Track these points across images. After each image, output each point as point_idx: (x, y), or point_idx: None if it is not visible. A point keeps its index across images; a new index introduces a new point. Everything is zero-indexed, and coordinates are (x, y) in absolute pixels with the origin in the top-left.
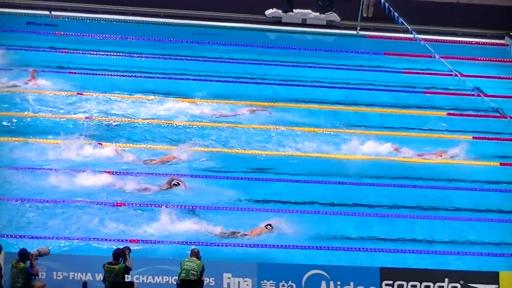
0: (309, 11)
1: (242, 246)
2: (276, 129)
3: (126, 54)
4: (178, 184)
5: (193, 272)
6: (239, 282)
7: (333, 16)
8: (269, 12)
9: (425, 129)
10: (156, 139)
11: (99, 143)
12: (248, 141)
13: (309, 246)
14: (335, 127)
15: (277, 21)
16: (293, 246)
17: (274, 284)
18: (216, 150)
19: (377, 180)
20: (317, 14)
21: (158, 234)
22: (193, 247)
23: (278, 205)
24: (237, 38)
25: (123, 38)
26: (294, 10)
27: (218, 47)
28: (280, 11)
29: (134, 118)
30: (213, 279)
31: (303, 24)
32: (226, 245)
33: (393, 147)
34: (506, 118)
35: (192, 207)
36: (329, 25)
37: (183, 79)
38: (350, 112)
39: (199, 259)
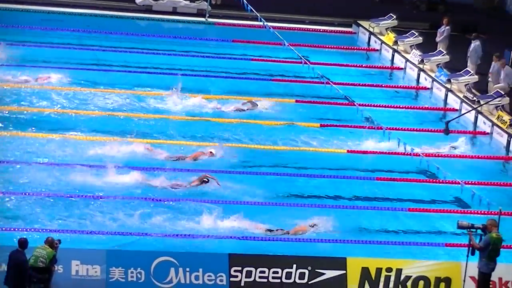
0: None
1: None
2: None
3: None
4: (208, 181)
5: (41, 259)
6: (87, 269)
7: (203, 5)
8: (139, 0)
9: (274, 118)
10: None
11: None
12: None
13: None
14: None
15: (147, 9)
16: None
17: (122, 271)
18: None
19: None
20: (188, 2)
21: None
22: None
23: None
24: (86, 25)
25: None
26: None
27: (76, 34)
28: None
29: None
30: (61, 266)
31: (174, 12)
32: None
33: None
34: (354, 105)
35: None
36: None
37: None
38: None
39: (55, 249)
